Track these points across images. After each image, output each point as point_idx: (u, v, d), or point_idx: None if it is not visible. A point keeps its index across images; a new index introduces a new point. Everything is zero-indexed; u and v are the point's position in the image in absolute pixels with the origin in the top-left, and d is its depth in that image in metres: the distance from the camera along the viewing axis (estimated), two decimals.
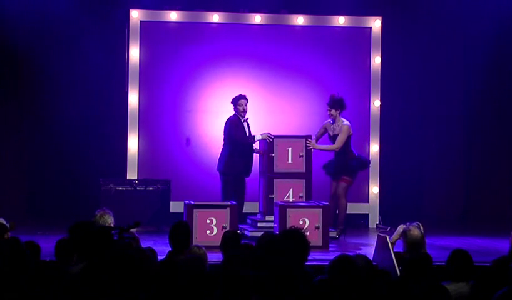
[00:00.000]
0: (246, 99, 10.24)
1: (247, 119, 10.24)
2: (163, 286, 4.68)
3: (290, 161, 10.02)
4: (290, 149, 9.98)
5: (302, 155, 9.97)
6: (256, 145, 10.39)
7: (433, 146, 12.78)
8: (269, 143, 10.00)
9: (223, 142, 10.38)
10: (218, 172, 10.38)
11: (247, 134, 10.24)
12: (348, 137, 10.11)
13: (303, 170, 10.00)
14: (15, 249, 5.02)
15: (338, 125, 10.14)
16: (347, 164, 10.10)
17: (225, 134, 10.31)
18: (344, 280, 4.64)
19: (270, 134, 10.08)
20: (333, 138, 10.19)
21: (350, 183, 10.15)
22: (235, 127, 10.13)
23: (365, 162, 10.48)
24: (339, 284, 4.55)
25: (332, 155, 10.34)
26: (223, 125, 10.34)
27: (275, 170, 10.00)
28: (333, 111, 10.14)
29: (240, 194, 10.16)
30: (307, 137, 10.08)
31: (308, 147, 9.98)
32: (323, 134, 10.38)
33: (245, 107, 10.18)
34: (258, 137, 10.13)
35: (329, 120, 10.28)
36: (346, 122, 10.15)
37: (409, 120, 12.63)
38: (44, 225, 10.57)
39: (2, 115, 12.21)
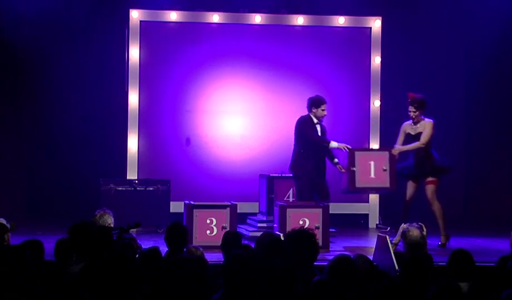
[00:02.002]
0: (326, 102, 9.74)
1: (321, 121, 9.72)
2: (161, 286, 4.67)
3: (372, 175, 9.36)
4: (372, 162, 9.34)
5: (386, 169, 9.34)
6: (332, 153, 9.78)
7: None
8: (350, 157, 9.34)
9: (293, 143, 9.80)
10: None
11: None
12: (432, 135, 9.45)
13: (388, 185, 9.38)
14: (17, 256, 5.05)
15: (420, 124, 9.46)
16: (432, 165, 9.46)
17: (295, 133, 9.74)
18: (343, 280, 4.64)
19: (348, 146, 9.45)
20: (414, 137, 9.51)
21: (437, 184, 9.45)
22: (309, 127, 9.59)
23: (448, 166, 9.64)
24: (338, 284, 4.54)
25: (408, 158, 9.68)
26: (294, 125, 9.77)
27: (357, 185, 9.37)
28: (417, 112, 9.43)
29: (321, 194, 9.56)
30: (390, 150, 9.45)
31: (394, 154, 9.37)
32: (405, 138, 9.63)
33: (325, 112, 9.64)
34: (334, 144, 9.44)
35: (407, 122, 9.60)
36: (430, 119, 9.49)
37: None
38: (44, 225, 10.57)
39: (1, 115, 12.21)
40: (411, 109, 9.48)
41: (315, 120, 9.63)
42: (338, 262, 4.77)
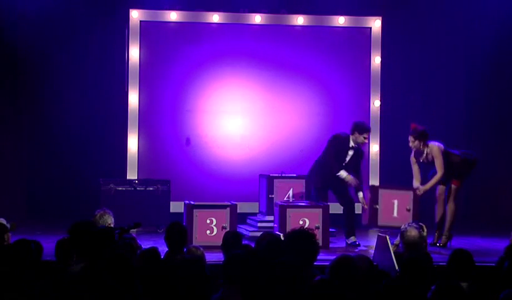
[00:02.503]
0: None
1: (357, 147, 9.63)
2: (161, 285, 4.68)
3: (395, 215, 9.28)
4: (395, 201, 9.22)
5: (409, 209, 9.25)
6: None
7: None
8: (373, 193, 9.31)
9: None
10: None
11: (347, 160, 9.59)
12: (443, 155, 9.37)
13: None
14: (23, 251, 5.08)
15: (428, 153, 9.40)
16: (453, 168, 9.44)
17: (326, 145, 9.75)
18: (344, 280, 4.64)
19: (357, 183, 9.47)
20: (429, 164, 9.47)
21: (459, 186, 9.47)
22: (337, 147, 9.58)
23: (471, 162, 9.57)
24: (339, 284, 4.54)
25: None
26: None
27: (379, 223, 9.33)
28: (416, 142, 9.38)
29: (341, 201, 9.64)
30: (415, 190, 9.34)
31: (419, 194, 9.33)
32: (419, 166, 9.57)
33: (366, 141, 9.65)
34: (342, 174, 9.43)
35: (412, 154, 9.56)
36: (434, 144, 9.41)
37: (409, 121, 12.59)
38: (44, 225, 10.57)
39: (1, 115, 12.20)
40: (410, 139, 9.45)
41: (351, 144, 9.59)
42: (339, 262, 4.77)
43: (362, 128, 9.61)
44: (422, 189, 9.39)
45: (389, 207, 9.23)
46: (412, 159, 9.59)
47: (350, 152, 9.61)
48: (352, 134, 9.61)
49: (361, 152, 9.75)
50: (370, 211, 9.30)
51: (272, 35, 12.08)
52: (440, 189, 9.54)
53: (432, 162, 9.45)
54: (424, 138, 9.43)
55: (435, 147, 9.40)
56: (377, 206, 9.25)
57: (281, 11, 12.17)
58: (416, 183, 9.53)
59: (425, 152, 9.45)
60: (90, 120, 12.18)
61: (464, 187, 9.77)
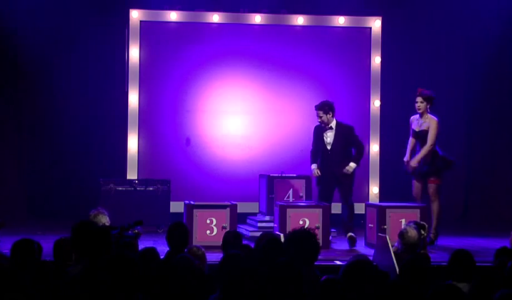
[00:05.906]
0: (321, 109, 9.61)
1: (330, 127, 9.65)
2: (161, 286, 4.67)
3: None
4: (403, 220, 8.94)
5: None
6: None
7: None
8: (381, 214, 9.20)
9: None
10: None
11: (326, 142, 9.64)
12: (438, 134, 9.47)
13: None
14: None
15: (425, 121, 9.45)
16: (434, 165, 9.48)
17: None
18: (359, 283, 4.59)
19: (318, 173, 9.62)
20: (418, 134, 9.54)
21: (439, 184, 9.51)
22: (314, 139, 9.84)
23: (450, 163, 9.61)
24: (353, 287, 4.50)
25: (414, 155, 9.62)
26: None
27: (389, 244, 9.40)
28: (424, 104, 9.42)
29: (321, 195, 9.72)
30: (422, 207, 9.27)
31: (414, 166, 9.43)
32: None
33: (319, 119, 9.62)
34: (313, 167, 9.70)
35: (414, 116, 9.61)
36: (434, 117, 9.45)
37: (409, 120, 12.62)
38: (44, 225, 10.57)
39: (2, 115, 12.20)
40: (418, 99, 9.50)
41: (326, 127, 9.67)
42: (355, 265, 4.72)
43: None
44: (412, 162, 9.49)
45: (397, 228, 8.45)
46: (412, 120, 9.62)
47: (330, 134, 9.67)
48: None
49: (346, 130, 9.71)
50: (377, 232, 8.95)
51: (272, 35, 12.08)
52: (417, 187, 9.59)
53: (422, 132, 9.50)
54: (430, 102, 9.52)
55: (434, 120, 9.47)
56: (385, 227, 9.09)
57: (281, 11, 12.17)
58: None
59: (424, 119, 9.51)
60: (90, 120, 12.18)
61: (444, 185, 9.80)
